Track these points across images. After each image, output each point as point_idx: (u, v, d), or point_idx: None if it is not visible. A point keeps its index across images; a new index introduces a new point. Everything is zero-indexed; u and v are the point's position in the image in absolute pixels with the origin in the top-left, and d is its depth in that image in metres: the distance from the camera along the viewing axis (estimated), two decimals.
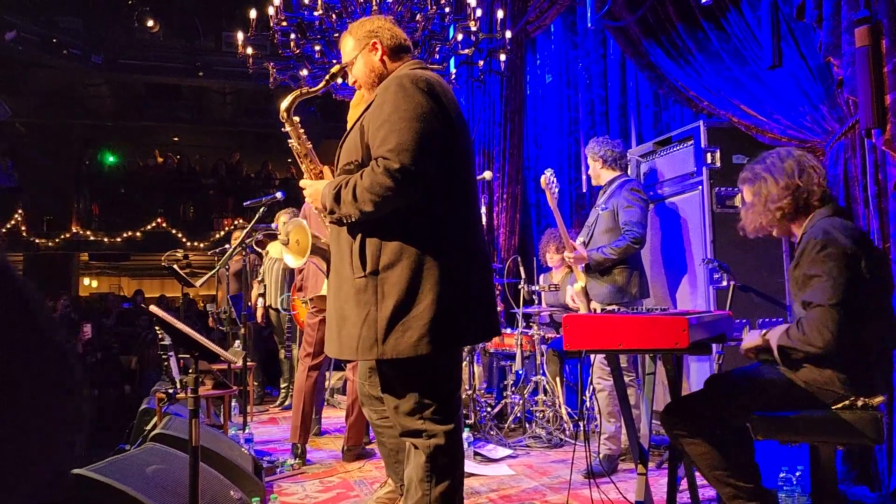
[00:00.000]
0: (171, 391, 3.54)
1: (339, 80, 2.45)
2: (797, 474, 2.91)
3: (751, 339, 2.40)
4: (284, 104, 2.37)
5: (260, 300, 6.81)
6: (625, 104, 6.11)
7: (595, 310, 3.44)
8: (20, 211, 13.70)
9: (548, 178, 3.91)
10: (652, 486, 3.16)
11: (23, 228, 13.65)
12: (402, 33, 2.37)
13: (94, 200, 15.21)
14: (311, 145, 2.53)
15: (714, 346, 3.28)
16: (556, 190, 3.95)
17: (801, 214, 2.37)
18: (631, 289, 3.82)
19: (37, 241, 13.80)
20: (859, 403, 2.15)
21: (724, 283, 3.67)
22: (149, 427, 3.87)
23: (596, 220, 4.02)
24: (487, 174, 5.33)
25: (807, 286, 2.16)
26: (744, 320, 3.71)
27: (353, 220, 2.07)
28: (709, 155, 3.86)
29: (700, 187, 3.90)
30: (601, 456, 3.75)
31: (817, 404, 2.19)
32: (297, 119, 2.43)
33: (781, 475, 2.92)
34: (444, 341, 2.01)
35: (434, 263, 2.02)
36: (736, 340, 3.27)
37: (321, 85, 2.42)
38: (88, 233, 14.36)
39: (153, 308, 2.13)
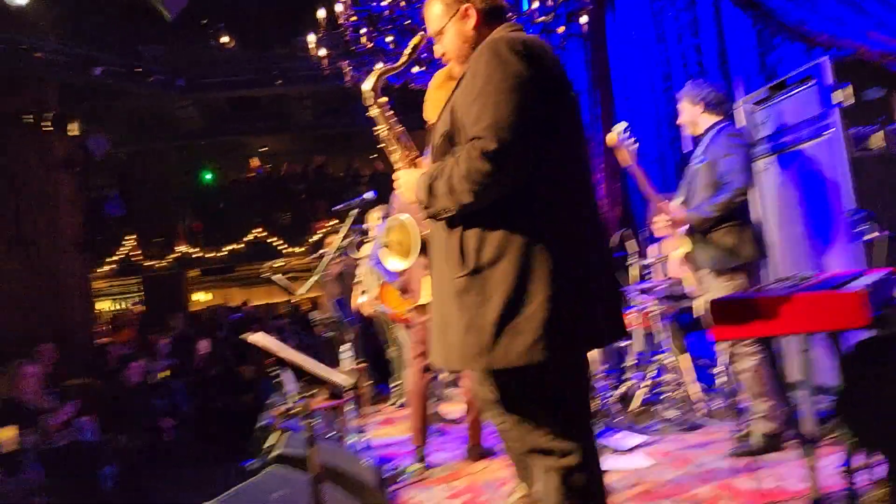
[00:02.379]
0: (287, 408, 3.48)
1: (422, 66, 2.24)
2: None
3: None
4: (368, 84, 2.07)
5: (365, 303, 6.75)
6: (723, 51, 5.60)
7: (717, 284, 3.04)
8: (133, 236, 14.45)
9: (619, 133, 3.53)
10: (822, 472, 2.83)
11: (137, 253, 14.39)
12: None
13: (196, 218, 15.89)
14: (402, 128, 2.18)
15: None
16: (634, 145, 3.56)
17: None
18: (745, 249, 3.35)
19: (150, 263, 14.52)
20: None
21: (874, 235, 3.23)
22: (266, 444, 3.85)
23: (694, 176, 3.57)
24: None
25: None
26: None
27: (451, 213, 1.82)
28: (839, 93, 3.39)
29: (831, 130, 3.46)
30: (759, 434, 3.34)
31: None
32: (384, 100, 2.11)
33: None
34: (562, 345, 1.74)
35: (545, 256, 1.75)
36: None
37: (403, 59, 2.12)
38: (197, 249, 15.01)
39: (254, 338, 2.01)
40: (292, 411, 3.46)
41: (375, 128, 2.17)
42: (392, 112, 2.15)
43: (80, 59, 9.04)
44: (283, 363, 2.08)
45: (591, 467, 1.81)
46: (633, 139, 3.60)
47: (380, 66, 2.11)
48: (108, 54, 9.19)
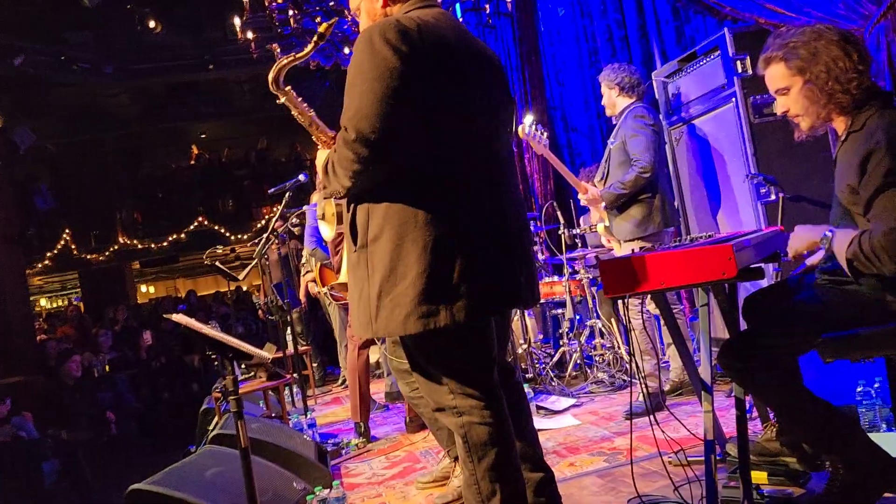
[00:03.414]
0: (221, 390, 3.54)
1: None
2: (875, 386, 2.75)
3: (804, 236, 2.09)
4: (270, 76, 2.13)
5: (311, 285, 6.79)
6: (644, 24, 5.78)
7: (632, 248, 3.27)
8: (67, 230, 14.05)
9: (527, 127, 3.74)
10: (721, 418, 3.04)
11: (73, 247, 14.01)
12: None
13: (135, 209, 15.54)
14: (313, 113, 2.27)
15: (771, 266, 3.09)
16: (544, 136, 3.80)
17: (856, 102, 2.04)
18: (653, 219, 3.68)
19: (87, 257, 14.16)
20: None
21: (773, 197, 3.46)
22: (210, 427, 3.90)
23: (609, 156, 3.87)
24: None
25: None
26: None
27: (341, 194, 1.96)
28: (738, 63, 3.60)
29: (733, 99, 3.65)
30: (641, 395, 3.60)
31: (889, 315, 2.01)
32: (289, 88, 2.18)
33: (859, 389, 2.76)
34: (437, 318, 1.82)
35: (420, 233, 1.83)
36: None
37: (309, 48, 2.17)
38: (135, 241, 14.68)
39: (176, 317, 2.08)
40: (220, 391, 3.51)
41: (292, 113, 2.25)
42: (301, 98, 2.23)
43: (1, 49, 8.74)
44: (205, 341, 2.15)
45: (493, 421, 1.91)
46: (542, 131, 3.79)
47: (283, 59, 2.14)
48: (31, 43, 8.89)
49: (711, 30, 4.74)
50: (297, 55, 2.15)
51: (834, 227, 2.05)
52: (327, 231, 2.75)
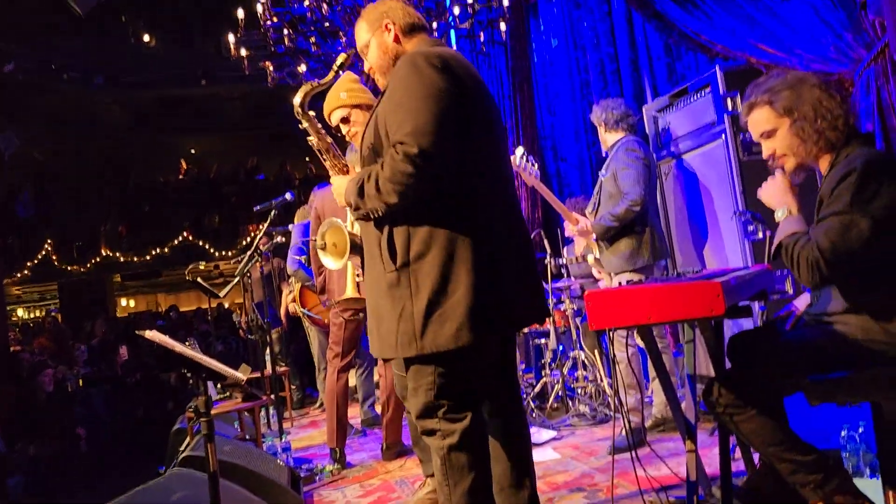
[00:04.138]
0: (194, 410, 3.45)
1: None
2: (860, 431, 2.72)
3: (772, 194, 2.17)
4: (297, 99, 2.27)
5: (292, 305, 6.71)
6: (636, 59, 5.85)
7: (619, 281, 3.25)
8: (49, 240, 13.87)
9: (517, 158, 3.75)
10: (703, 457, 2.99)
11: (54, 258, 13.82)
12: (416, 13, 2.23)
13: (120, 221, 15.36)
14: (331, 140, 2.41)
15: (756, 304, 3.07)
16: (535, 167, 3.82)
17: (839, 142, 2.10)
18: (642, 253, 3.66)
19: (69, 268, 13.97)
20: None
21: (760, 235, 3.45)
22: (182, 448, 3.80)
23: (600, 188, 3.89)
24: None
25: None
26: (785, 271, 3.47)
27: (380, 213, 1.97)
28: (729, 101, 3.62)
29: (723, 136, 3.67)
30: (625, 430, 3.56)
31: (876, 358, 1.98)
32: (312, 113, 2.31)
33: (843, 434, 2.73)
34: (485, 328, 1.91)
35: (466, 248, 1.92)
36: (779, 293, 3.04)
37: (329, 76, 2.30)
38: (118, 254, 14.50)
39: (149, 334, 2.02)
40: (192, 412, 3.43)
41: (308, 138, 2.40)
42: (321, 125, 2.38)
43: None
44: (178, 360, 2.09)
45: (472, 447, 1.95)
46: (532, 162, 3.81)
47: (308, 85, 2.28)
48: (22, 49, 8.83)
49: (703, 67, 4.79)
50: (322, 81, 2.32)
51: (793, 218, 2.08)
52: (332, 263, 2.72)
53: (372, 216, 2.00)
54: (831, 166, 2.09)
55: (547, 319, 4.94)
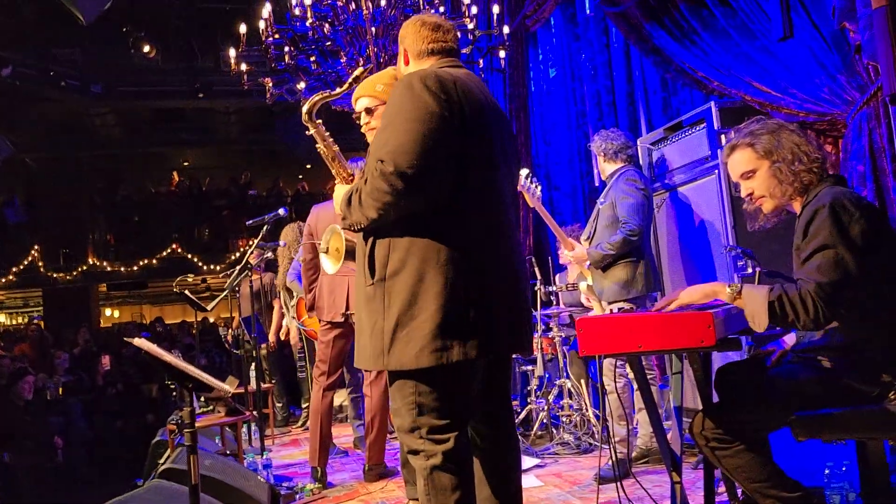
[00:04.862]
0: (176, 423, 3.41)
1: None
2: (843, 469, 2.72)
3: (699, 289, 2.13)
4: (305, 107, 2.28)
5: (285, 319, 6.67)
6: (632, 92, 5.93)
7: (611, 309, 3.26)
8: (36, 246, 13.74)
9: (522, 179, 3.78)
10: (687, 490, 2.98)
11: (40, 264, 13.68)
12: (432, 34, 2.19)
13: (109, 230, 15.25)
14: (337, 148, 2.41)
15: (744, 338, 3.09)
16: (538, 190, 3.84)
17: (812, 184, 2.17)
18: (636, 283, 3.69)
19: (54, 275, 13.83)
20: None
21: (750, 271, 3.47)
22: (161, 460, 3.75)
23: (597, 215, 3.92)
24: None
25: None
26: None
27: (363, 225, 1.99)
28: (723, 137, 3.67)
29: (716, 171, 3.71)
30: (611, 460, 3.55)
31: (862, 397, 2.00)
32: (320, 121, 2.33)
33: (827, 471, 2.74)
34: (449, 353, 1.89)
35: (440, 271, 1.91)
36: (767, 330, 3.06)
37: (344, 87, 2.32)
38: (105, 263, 14.38)
39: (138, 341, 2.00)
40: (176, 423, 3.39)
41: (316, 145, 2.39)
42: (328, 133, 2.37)
43: None
44: (166, 370, 2.07)
45: (456, 468, 1.93)
46: (536, 184, 3.84)
47: (320, 94, 2.28)
48: (20, 55, 8.83)
49: (698, 103, 4.86)
50: (333, 93, 2.32)
51: (737, 287, 2.08)
52: (329, 265, 2.74)
53: (356, 228, 2.03)
54: (803, 207, 2.16)
55: (535, 346, 4.95)
